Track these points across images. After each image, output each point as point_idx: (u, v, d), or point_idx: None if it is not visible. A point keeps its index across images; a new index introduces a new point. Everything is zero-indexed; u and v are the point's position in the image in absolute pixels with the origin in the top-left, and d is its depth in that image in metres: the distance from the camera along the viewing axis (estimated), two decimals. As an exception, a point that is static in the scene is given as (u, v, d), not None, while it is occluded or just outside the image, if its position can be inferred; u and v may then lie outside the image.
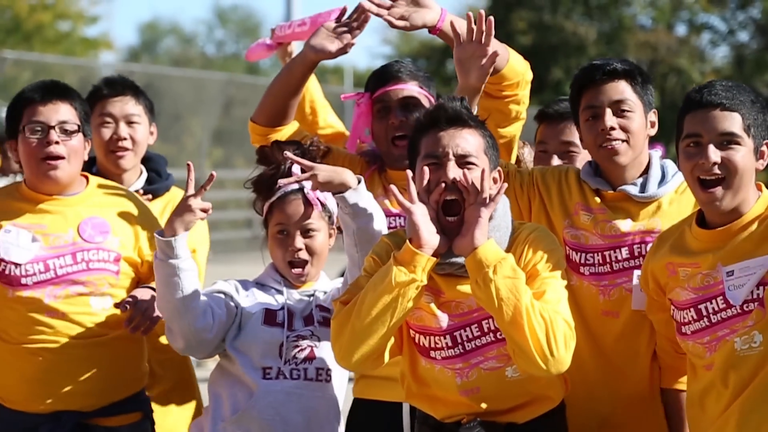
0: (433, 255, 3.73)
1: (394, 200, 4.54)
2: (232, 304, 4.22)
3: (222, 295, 4.23)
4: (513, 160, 4.59)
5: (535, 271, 3.77)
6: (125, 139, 5.00)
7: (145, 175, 5.14)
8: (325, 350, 4.20)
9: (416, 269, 3.69)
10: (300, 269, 4.25)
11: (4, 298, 4.34)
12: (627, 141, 4.16)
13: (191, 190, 4.13)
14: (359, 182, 4.12)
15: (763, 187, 3.85)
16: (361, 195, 4.10)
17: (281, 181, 4.15)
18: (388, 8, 4.27)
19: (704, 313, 3.75)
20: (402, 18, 4.26)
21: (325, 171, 4.09)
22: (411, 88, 4.63)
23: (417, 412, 4.02)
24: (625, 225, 4.18)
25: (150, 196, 5.05)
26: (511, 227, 3.87)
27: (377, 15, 4.31)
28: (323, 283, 4.34)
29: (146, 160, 5.18)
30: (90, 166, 4.97)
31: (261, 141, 4.54)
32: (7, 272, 4.33)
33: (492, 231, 3.76)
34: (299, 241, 4.23)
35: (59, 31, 33.00)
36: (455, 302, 3.85)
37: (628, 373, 4.17)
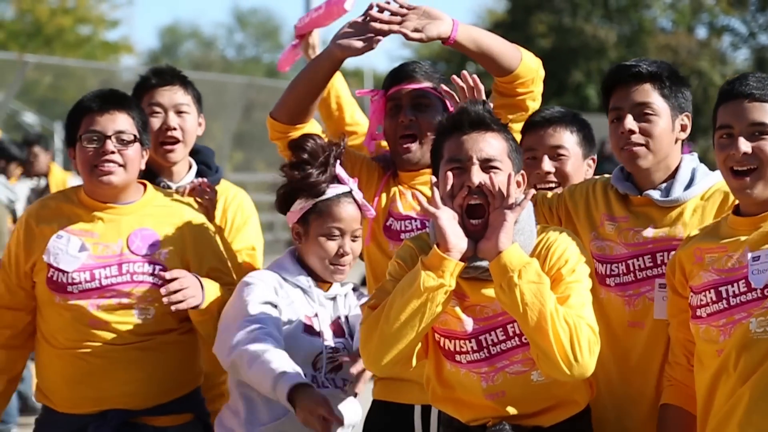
0: (460, 259, 3.72)
1: (406, 203, 4.57)
2: (278, 315, 4.21)
3: (274, 310, 4.21)
4: None
5: (560, 275, 3.77)
6: (175, 129, 4.88)
7: (195, 168, 5.04)
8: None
9: (444, 274, 3.68)
10: (342, 273, 4.31)
11: (51, 304, 4.38)
12: (647, 145, 4.13)
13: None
14: None
15: None
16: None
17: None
18: (399, 23, 4.24)
19: (724, 295, 3.75)
20: (416, 30, 4.22)
21: None
22: (424, 88, 4.62)
23: (442, 416, 4.03)
24: (647, 232, 4.16)
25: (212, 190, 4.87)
26: (535, 231, 3.87)
27: (389, 32, 4.25)
28: (338, 285, 4.38)
29: (194, 153, 5.07)
30: None
31: (280, 138, 4.52)
32: (55, 278, 4.36)
33: (516, 235, 3.75)
34: (349, 244, 4.28)
35: (80, 35, 33.16)
36: (480, 306, 3.84)
37: (653, 384, 4.12)
